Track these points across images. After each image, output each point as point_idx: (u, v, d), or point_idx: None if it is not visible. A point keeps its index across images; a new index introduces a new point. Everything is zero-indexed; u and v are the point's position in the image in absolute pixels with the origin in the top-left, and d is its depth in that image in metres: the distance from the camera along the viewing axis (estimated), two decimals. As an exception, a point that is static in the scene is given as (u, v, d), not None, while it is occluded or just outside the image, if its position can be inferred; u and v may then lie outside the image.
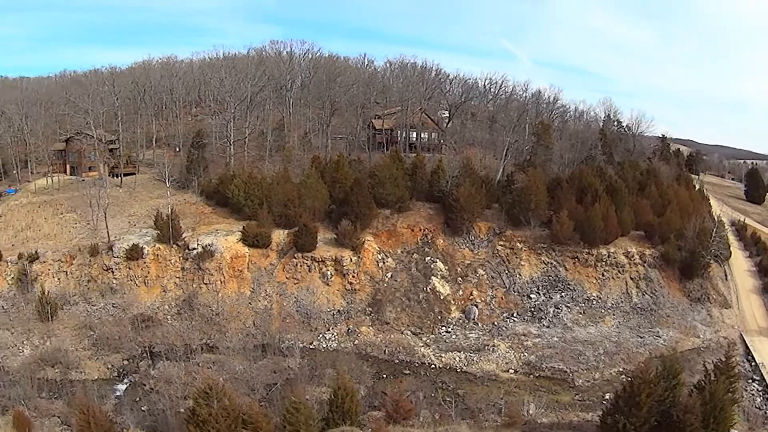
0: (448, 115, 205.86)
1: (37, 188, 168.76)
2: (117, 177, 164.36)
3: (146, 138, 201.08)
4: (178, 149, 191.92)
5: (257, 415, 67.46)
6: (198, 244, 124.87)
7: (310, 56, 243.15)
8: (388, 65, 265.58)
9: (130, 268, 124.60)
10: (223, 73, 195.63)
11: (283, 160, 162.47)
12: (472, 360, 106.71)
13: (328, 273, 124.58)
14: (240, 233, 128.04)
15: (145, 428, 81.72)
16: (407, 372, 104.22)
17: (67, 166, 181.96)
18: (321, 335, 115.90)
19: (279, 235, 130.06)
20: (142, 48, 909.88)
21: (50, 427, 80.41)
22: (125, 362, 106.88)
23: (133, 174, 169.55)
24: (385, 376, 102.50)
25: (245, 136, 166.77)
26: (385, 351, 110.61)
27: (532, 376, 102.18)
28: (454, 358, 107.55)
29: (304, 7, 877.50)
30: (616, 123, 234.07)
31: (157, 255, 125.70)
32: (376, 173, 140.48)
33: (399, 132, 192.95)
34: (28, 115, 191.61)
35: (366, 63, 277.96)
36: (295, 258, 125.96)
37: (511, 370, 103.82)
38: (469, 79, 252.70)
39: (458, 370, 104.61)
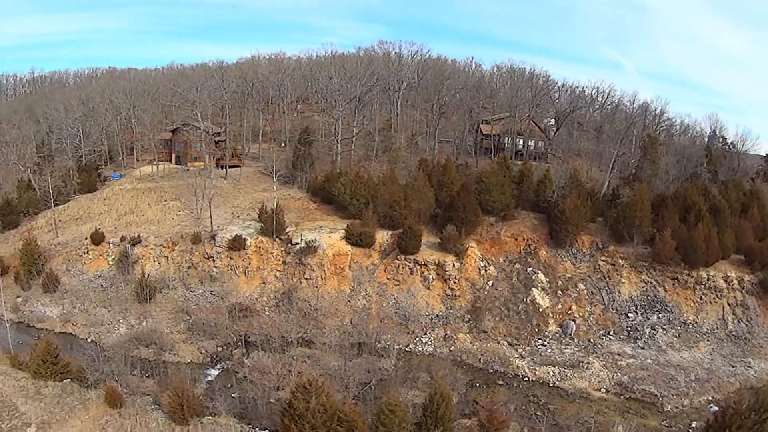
0: (554, 123, 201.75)
1: (142, 175, 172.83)
2: (222, 168, 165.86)
3: (252, 132, 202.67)
4: (283, 144, 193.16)
5: (353, 414, 66.77)
6: (301, 239, 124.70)
7: (418, 57, 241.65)
8: (496, 69, 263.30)
9: (231, 258, 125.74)
10: (332, 72, 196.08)
11: (390, 161, 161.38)
12: (566, 375, 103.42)
13: (430, 277, 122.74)
14: (344, 231, 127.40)
15: (235, 415, 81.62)
16: (500, 382, 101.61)
17: (173, 156, 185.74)
18: (417, 338, 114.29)
19: (382, 236, 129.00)
20: (249, 44, 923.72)
21: (141, 405, 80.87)
22: (219, 349, 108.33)
23: (238, 167, 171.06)
24: (478, 384, 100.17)
25: (353, 135, 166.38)
26: (480, 359, 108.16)
27: (622, 396, 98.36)
28: (548, 372, 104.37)
29: (410, 8, 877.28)
30: (721, 140, 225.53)
31: (259, 247, 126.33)
32: (483, 179, 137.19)
33: (506, 138, 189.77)
34: (136, 104, 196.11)
35: (474, 66, 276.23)
36: (397, 260, 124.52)
37: (602, 389, 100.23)
38: (577, 87, 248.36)
39: (551, 385, 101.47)
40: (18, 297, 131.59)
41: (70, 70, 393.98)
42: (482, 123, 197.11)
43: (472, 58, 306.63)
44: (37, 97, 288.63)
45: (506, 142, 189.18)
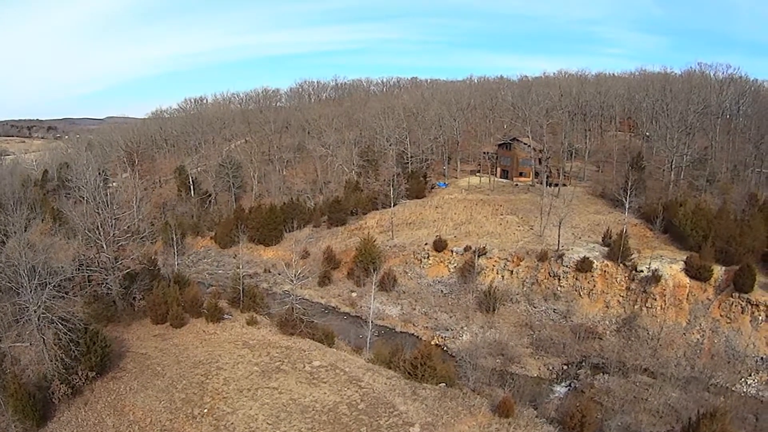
0: None
1: (469, 186, 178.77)
2: (549, 186, 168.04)
3: (566, 149, 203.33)
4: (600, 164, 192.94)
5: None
6: (646, 268, 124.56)
7: (737, 80, 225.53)
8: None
9: (577, 279, 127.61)
10: (662, 93, 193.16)
11: (720, 193, 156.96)
12: None
13: (759, 318, 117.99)
14: (683, 263, 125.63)
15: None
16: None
17: (498, 169, 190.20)
18: (742, 379, 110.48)
19: (717, 271, 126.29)
20: (529, 56, 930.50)
21: (528, 416, 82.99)
22: (564, 367, 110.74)
23: (565, 185, 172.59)
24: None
25: (682, 163, 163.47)
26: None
27: None
28: None
29: (697, 18, 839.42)
30: None
31: (605, 271, 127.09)
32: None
33: None
34: (455, 116, 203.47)
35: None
36: (731, 297, 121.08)
37: None
38: None
39: None
40: (352, 292, 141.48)
41: (371, 78, 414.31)
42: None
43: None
44: (353, 104, 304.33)
45: None
